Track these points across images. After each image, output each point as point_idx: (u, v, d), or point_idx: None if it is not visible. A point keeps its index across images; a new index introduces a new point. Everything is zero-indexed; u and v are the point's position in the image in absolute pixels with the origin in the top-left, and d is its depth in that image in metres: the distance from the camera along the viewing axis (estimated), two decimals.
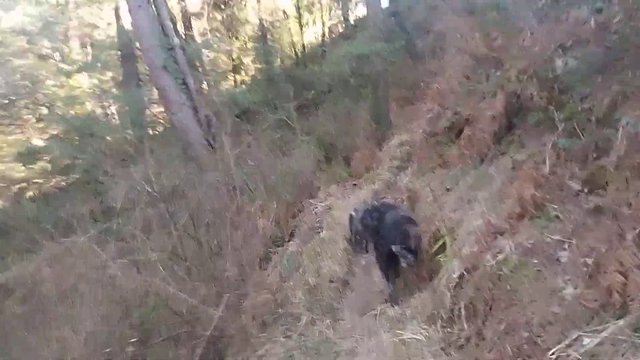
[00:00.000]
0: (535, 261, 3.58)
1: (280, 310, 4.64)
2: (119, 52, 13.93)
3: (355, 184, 9.92)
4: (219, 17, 19.26)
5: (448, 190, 5.84)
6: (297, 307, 4.70)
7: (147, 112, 13.82)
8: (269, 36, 18.04)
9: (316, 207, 8.31)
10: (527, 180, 4.33)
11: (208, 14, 19.16)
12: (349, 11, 19.58)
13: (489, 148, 5.74)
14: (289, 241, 7.87)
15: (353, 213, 6.97)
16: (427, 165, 7.01)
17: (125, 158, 11.02)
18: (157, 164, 10.12)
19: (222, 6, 18.90)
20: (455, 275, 4.10)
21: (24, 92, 16.98)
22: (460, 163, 6.12)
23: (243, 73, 19.53)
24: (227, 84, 19.11)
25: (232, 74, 19.49)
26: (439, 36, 16.67)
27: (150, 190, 6.51)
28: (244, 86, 18.98)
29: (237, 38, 19.43)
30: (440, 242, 4.46)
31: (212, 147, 11.27)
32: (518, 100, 5.94)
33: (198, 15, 19.45)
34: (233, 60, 19.39)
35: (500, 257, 3.80)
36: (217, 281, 4.71)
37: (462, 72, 7.83)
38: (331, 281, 5.32)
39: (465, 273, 4.07)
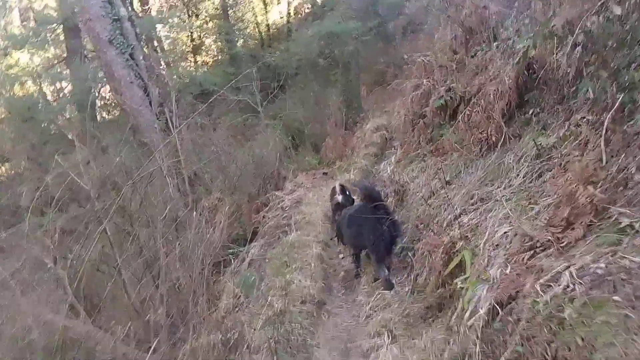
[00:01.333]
0: (618, 298, 2.24)
1: (232, 356, 3.16)
2: (62, 26, 11.92)
3: (325, 173, 8.50)
4: None
5: (448, 183, 4.47)
6: (256, 348, 3.23)
7: (96, 92, 11.92)
8: (230, 13, 16.25)
9: (283, 201, 6.85)
10: (573, 173, 2.99)
11: None
12: None
13: (499, 131, 4.40)
14: (251, 241, 6.42)
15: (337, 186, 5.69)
16: (414, 151, 5.65)
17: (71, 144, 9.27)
18: (99, 151, 8.51)
19: None
20: (482, 311, 2.73)
21: None
22: (461, 149, 4.77)
23: (204, 54, 17.65)
24: (187, 66, 17.23)
25: (191, 55, 17.60)
26: (412, 17, 15.68)
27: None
28: (206, 69, 17.20)
29: (197, 16, 17.51)
30: (457, 259, 3.09)
31: (165, 132, 9.61)
32: (533, 71, 4.64)
33: None
34: (193, 40, 17.48)
35: (557, 288, 2.45)
36: (142, 319, 3.19)
37: (450, 46, 6.51)
38: (302, 302, 3.89)
39: (497, 307, 2.70)
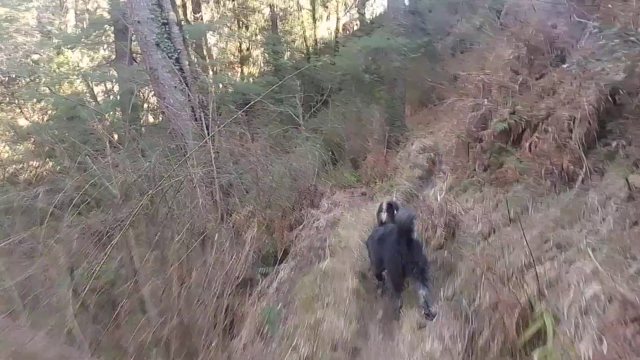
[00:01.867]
0: None
1: None
2: (112, 27, 11.86)
3: (364, 193, 7.86)
4: (230, 5, 17.18)
5: (512, 221, 3.76)
6: None
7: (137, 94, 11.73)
8: (279, 27, 15.98)
9: (318, 220, 6.25)
10: None
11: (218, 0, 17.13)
12: (366, 8, 17.46)
13: (577, 163, 3.68)
14: (281, 261, 5.86)
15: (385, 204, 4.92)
16: (467, 178, 4.96)
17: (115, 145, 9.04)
18: (137, 154, 8.20)
19: None
20: None
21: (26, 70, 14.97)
22: (527, 180, 4.06)
23: (251, 65, 17.43)
24: (233, 75, 17.04)
25: (239, 65, 17.42)
26: (462, 37, 14.97)
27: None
28: (251, 79, 16.97)
29: (247, 27, 17.34)
30: (535, 325, 2.40)
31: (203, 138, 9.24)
32: (618, 97, 3.90)
33: (207, 1, 17.39)
34: (241, 50, 17.32)
35: None
36: None
37: (510, 66, 5.82)
38: (333, 348, 3.25)
39: None
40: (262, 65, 16.71)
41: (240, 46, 17.48)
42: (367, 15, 17.48)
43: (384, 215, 5.04)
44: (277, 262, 5.99)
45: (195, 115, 9.56)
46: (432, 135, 9.17)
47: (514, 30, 5.94)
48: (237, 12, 17.10)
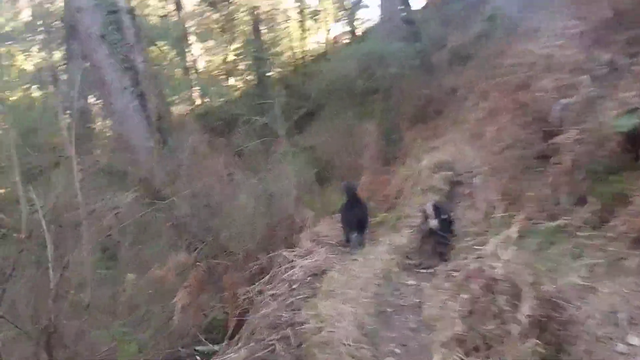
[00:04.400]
0: None
1: None
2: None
3: None
4: (214, 16, 14.92)
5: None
6: None
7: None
8: (265, 38, 13.71)
9: (293, 268, 3.83)
10: None
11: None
12: (356, 21, 15.21)
13: None
14: (233, 335, 3.46)
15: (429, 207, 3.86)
16: (549, 219, 2.52)
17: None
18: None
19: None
20: None
21: None
22: None
23: (238, 78, 15.08)
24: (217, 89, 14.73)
25: (225, 78, 15.14)
26: (459, 49, 12.75)
27: None
28: (237, 92, 14.68)
29: (233, 40, 15.03)
30: None
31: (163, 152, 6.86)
32: None
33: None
34: (227, 63, 15.03)
35: None
36: None
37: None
38: None
39: None
40: (247, 78, 14.37)
41: (225, 59, 15.20)
42: (358, 28, 15.23)
43: (434, 222, 3.70)
44: (228, 335, 3.60)
45: (150, 124, 7.17)
46: (437, 151, 6.85)
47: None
48: (221, 24, 14.87)
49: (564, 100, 2.21)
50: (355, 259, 3.47)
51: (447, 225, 3.81)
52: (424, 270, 3.25)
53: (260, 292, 3.73)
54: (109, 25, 6.79)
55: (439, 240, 3.83)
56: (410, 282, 3.10)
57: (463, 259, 2.94)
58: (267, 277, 3.88)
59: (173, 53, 15.14)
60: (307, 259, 3.92)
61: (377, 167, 7.26)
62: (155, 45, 9.77)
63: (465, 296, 2.39)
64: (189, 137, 6.78)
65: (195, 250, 4.11)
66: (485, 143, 4.40)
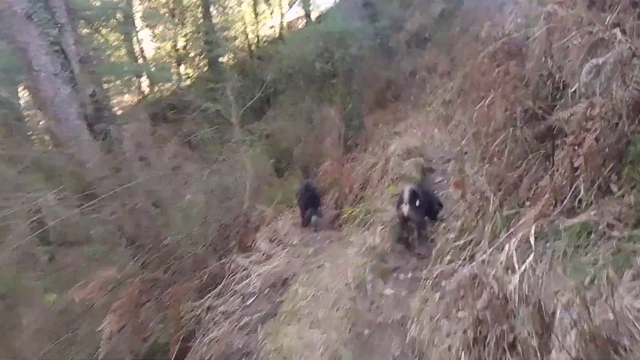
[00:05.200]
0: None
1: None
2: None
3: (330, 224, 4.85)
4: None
5: None
6: None
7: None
8: (216, 21, 12.70)
9: (248, 277, 3.19)
10: None
11: None
12: (311, 6, 14.42)
13: None
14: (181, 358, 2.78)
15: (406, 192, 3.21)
16: (567, 214, 1.97)
17: None
18: None
19: None
20: None
21: None
22: None
23: (188, 65, 13.97)
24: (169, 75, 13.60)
25: (175, 65, 13.99)
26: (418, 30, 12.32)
27: None
28: (189, 79, 13.64)
29: (183, 24, 13.87)
30: None
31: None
32: None
33: None
34: (177, 50, 13.88)
35: None
36: None
37: None
38: None
39: None
40: (199, 63, 13.31)
41: (176, 45, 14.04)
42: (313, 12, 14.47)
43: (406, 209, 3.17)
44: None
45: (86, 113, 6.21)
46: (402, 136, 6.35)
47: None
48: (170, 7, 13.67)
49: (594, 61, 1.68)
50: (322, 265, 2.86)
51: (421, 213, 3.27)
52: (403, 275, 2.71)
53: (210, 309, 3.07)
54: (37, 3, 5.74)
55: (413, 231, 3.31)
56: (388, 291, 2.55)
57: (449, 263, 2.41)
58: (219, 288, 3.22)
59: (117, 37, 13.85)
60: (265, 265, 3.28)
61: (339, 154, 6.68)
62: (92, 27, 8.61)
63: (463, 315, 1.85)
64: (130, 127, 5.91)
65: (134, 257, 3.37)
66: (459, 125, 3.91)
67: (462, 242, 2.41)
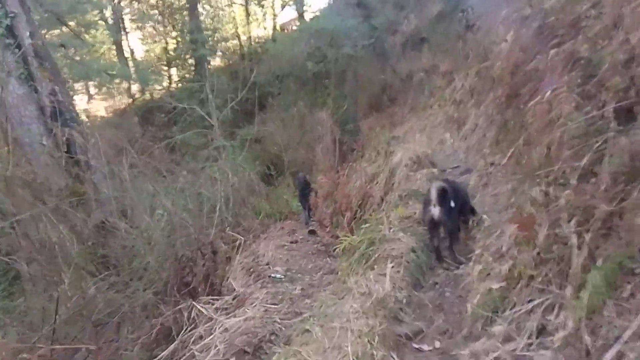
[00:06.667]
0: None
1: None
2: None
3: (314, 232, 3.93)
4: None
5: None
6: None
7: None
8: (206, 22, 11.75)
9: (210, 335, 2.21)
10: None
11: None
12: (304, 7, 13.42)
13: None
14: None
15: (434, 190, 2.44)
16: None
17: None
18: None
19: None
20: None
21: None
22: None
23: (180, 68, 12.96)
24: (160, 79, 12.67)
25: (166, 69, 13.05)
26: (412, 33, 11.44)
27: None
28: (176, 81, 12.70)
29: (173, 27, 12.89)
30: None
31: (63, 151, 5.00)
32: None
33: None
34: (168, 52, 12.93)
35: None
36: None
37: None
38: None
39: None
40: (188, 66, 12.30)
41: (166, 47, 13.10)
42: (307, 11, 13.48)
43: (436, 211, 2.43)
44: None
45: (44, 116, 5.25)
46: (403, 140, 5.43)
47: None
48: (160, 9, 12.71)
49: None
50: (308, 330, 1.90)
51: (455, 216, 2.48)
52: (427, 347, 1.74)
53: None
54: None
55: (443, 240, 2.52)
56: None
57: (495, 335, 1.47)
58: (169, 350, 2.26)
59: (105, 37, 12.90)
60: (234, 316, 2.32)
61: (333, 162, 5.73)
62: (65, 24, 7.61)
63: None
64: (95, 134, 4.96)
65: (55, 300, 2.38)
66: (476, 130, 2.99)
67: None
